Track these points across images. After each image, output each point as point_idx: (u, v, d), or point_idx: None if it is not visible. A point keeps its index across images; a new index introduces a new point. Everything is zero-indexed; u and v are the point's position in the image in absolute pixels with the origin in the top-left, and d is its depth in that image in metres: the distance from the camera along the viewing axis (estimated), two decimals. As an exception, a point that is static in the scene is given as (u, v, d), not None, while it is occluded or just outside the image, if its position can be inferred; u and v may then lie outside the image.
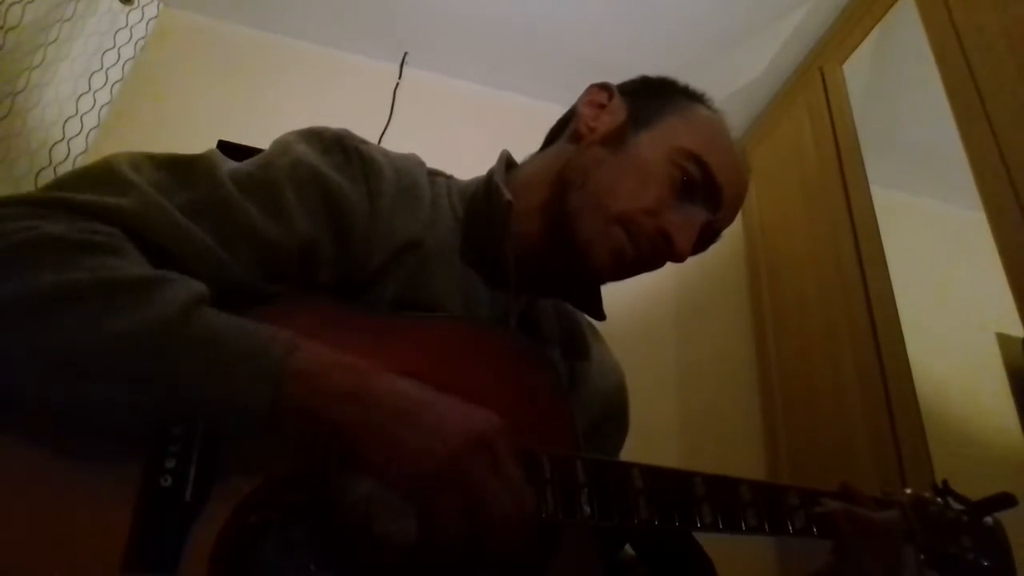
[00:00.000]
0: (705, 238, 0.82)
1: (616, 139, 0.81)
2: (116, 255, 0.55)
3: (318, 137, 0.74)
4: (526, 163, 0.90)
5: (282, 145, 0.72)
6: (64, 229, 0.54)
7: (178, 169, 0.64)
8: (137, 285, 0.54)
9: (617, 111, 0.84)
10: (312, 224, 0.68)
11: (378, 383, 0.56)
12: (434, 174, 0.84)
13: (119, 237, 0.57)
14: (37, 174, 1.77)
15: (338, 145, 0.74)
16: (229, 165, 0.68)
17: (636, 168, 0.78)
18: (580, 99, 0.87)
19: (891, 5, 1.78)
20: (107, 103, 2.01)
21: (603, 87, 0.87)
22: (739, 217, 2.44)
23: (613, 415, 0.91)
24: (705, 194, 0.79)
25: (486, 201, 0.80)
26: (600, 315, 0.88)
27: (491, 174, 0.83)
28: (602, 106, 0.85)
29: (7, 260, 0.52)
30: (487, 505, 0.52)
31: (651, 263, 0.80)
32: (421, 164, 0.83)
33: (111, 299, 0.52)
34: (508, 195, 0.78)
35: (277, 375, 0.53)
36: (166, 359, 0.52)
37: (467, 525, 0.51)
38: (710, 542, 0.76)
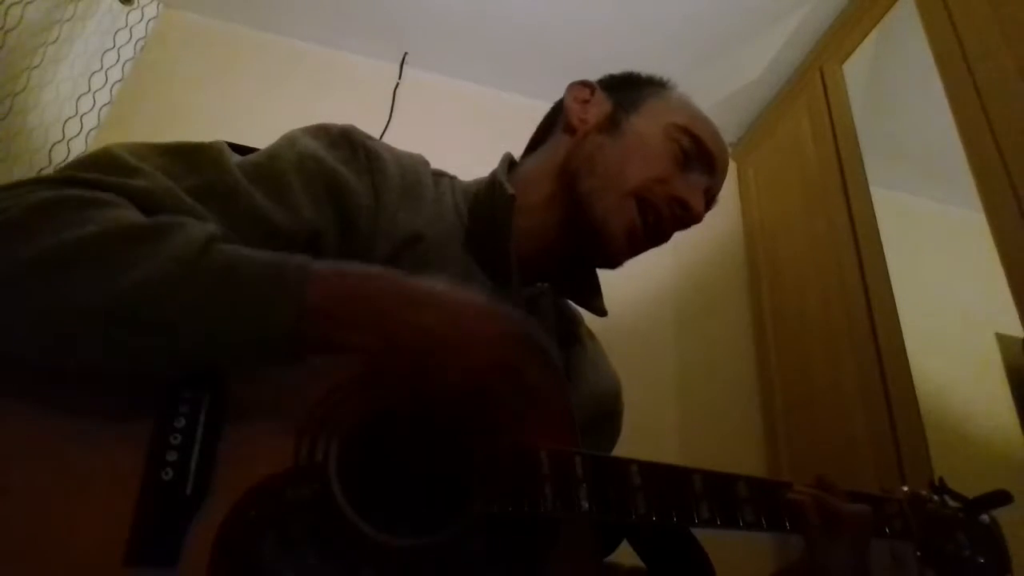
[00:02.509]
0: (706, 203, 0.88)
1: (611, 125, 0.86)
2: (124, 207, 0.56)
3: (325, 132, 0.75)
4: (524, 162, 0.93)
5: (289, 139, 0.73)
6: (72, 191, 0.55)
7: (184, 155, 0.65)
8: (150, 230, 0.54)
9: (602, 102, 0.90)
10: (318, 215, 0.68)
11: (409, 281, 0.60)
12: (438, 174, 0.86)
13: (124, 200, 0.57)
14: (37, 174, 1.77)
15: (344, 140, 0.75)
16: (235, 156, 0.68)
17: (638, 146, 0.84)
18: (565, 97, 0.92)
19: (891, 5, 1.78)
20: (107, 103, 2.02)
21: (583, 84, 0.92)
22: (739, 217, 2.45)
23: (604, 420, 0.91)
24: (701, 162, 0.86)
25: (489, 198, 0.81)
26: (601, 311, 0.90)
27: (494, 173, 0.85)
28: (586, 101, 0.90)
29: (20, 223, 0.52)
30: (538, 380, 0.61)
31: (661, 236, 0.85)
32: (425, 163, 0.84)
33: (127, 247, 0.52)
34: (511, 189, 0.79)
35: (300, 287, 0.54)
36: (187, 298, 0.52)
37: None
38: (708, 541, 0.76)
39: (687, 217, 0.84)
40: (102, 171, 0.59)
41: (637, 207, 0.81)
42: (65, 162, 1.83)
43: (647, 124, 0.86)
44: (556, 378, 0.68)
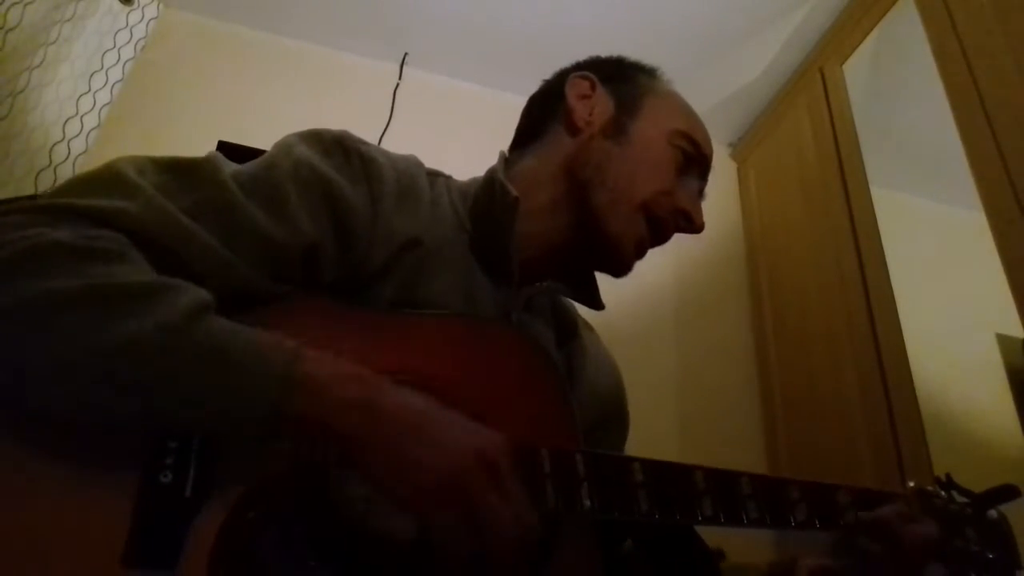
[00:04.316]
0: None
1: (616, 130, 0.85)
2: (121, 261, 0.56)
3: (319, 139, 0.75)
4: (519, 158, 0.91)
5: (284, 147, 0.73)
6: (69, 236, 0.54)
7: (182, 172, 0.65)
8: (141, 292, 0.54)
9: (604, 100, 0.88)
10: (315, 225, 0.68)
11: (382, 398, 0.56)
12: (433, 174, 0.85)
13: (124, 243, 0.57)
14: (37, 174, 1.77)
15: (339, 147, 0.74)
16: (232, 167, 0.68)
17: (645, 156, 0.84)
18: (567, 93, 0.89)
19: (891, 5, 1.78)
20: (107, 103, 2.02)
21: (584, 77, 0.90)
22: (739, 217, 2.45)
23: (612, 414, 0.92)
24: (698, 167, 0.88)
25: (490, 199, 0.81)
26: (599, 304, 0.90)
27: (493, 172, 0.84)
28: (587, 97, 0.89)
29: (13, 267, 0.52)
30: (486, 521, 0.53)
31: (663, 242, 0.87)
32: (420, 165, 0.84)
33: (115, 306, 0.52)
34: (515, 192, 0.79)
35: (279, 386, 0.53)
36: (168, 366, 0.52)
37: (466, 539, 0.52)
38: (710, 539, 0.76)
39: (690, 228, 0.86)
40: (101, 193, 0.59)
41: (645, 220, 0.83)
42: (65, 162, 1.84)
43: (650, 130, 0.86)
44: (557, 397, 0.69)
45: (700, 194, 0.89)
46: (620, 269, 0.86)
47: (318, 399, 0.54)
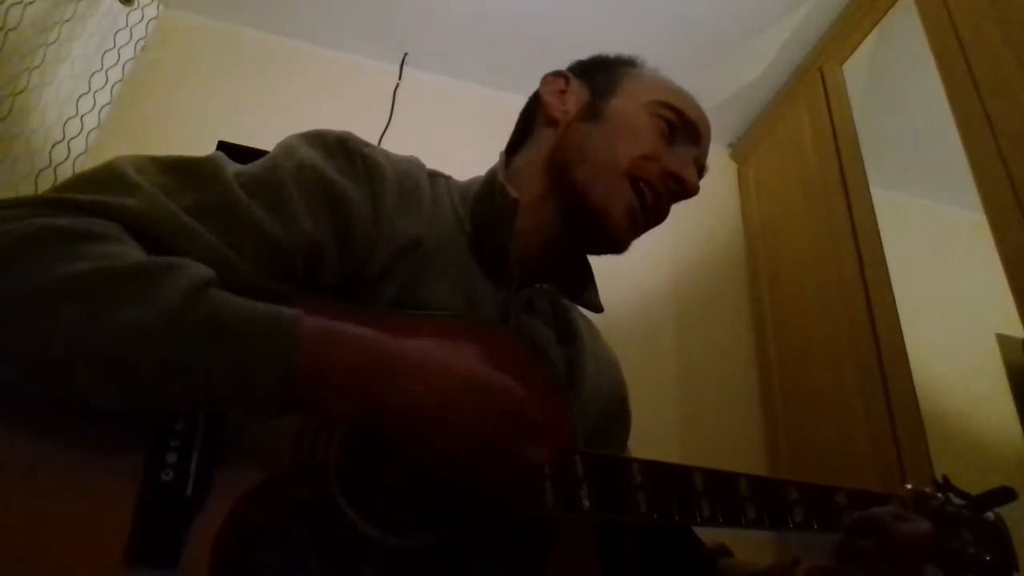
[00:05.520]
0: (697, 173, 0.89)
1: (592, 112, 0.87)
2: (117, 242, 0.55)
3: (322, 140, 0.75)
4: (512, 161, 0.92)
5: (286, 148, 0.73)
6: (67, 221, 0.54)
7: (183, 171, 0.65)
8: (141, 273, 0.53)
9: (578, 90, 0.91)
10: (317, 226, 0.68)
11: (378, 383, 0.56)
12: (434, 175, 0.85)
13: (121, 230, 0.57)
14: (37, 175, 1.77)
15: (341, 148, 0.75)
16: (234, 167, 0.68)
17: (623, 127, 0.85)
18: (540, 91, 0.93)
19: (891, 5, 1.78)
20: (107, 104, 2.02)
21: (557, 74, 0.93)
22: (739, 217, 2.45)
23: (614, 412, 0.92)
24: (686, 133, 0.87)
25: (490, 200, 0.81)
26: (597, 307, 0.90)
27: (493, 173, 0.85)
28: (562, 91, 0.91)
29: (11, 254, 0.52)
30: (529, 460, 0.58)
31: (660, 214, 0.86)
32: (421, 166, 0.84)
33: (115, 290, 0.52)
34: (515, 193, 0.79)
35: (283, 373, 0.53)
36: (172, 349, 0.52)
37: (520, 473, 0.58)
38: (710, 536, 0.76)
39: (682, 191, 0.85)
40: (101, 190, 0.59)
41: (632, 187, 0.82)
42: (65, 163, 1.84)
43: (627, 104, 0.87)
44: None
45: (698, 164, 0.88)
46: (615, 242, 0.85)
47: (316, 388, 0.55)
